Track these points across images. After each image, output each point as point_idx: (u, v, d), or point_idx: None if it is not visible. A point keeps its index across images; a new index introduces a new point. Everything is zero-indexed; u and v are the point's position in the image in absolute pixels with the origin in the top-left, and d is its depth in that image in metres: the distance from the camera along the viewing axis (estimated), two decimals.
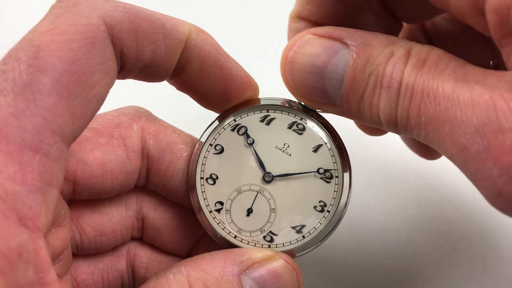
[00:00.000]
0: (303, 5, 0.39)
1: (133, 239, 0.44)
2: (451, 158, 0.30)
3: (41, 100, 0.27)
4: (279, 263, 0.36)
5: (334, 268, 0.54)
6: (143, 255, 0.43)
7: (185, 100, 0.42)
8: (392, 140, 0.54)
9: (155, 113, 0.43)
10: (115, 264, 0.43)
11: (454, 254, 0.55)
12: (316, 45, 0.35)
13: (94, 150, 0.38)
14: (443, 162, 0.46)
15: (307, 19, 0.39)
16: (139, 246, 0.44)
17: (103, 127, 0.39)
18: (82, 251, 0.41)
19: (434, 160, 0.48)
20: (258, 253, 0.35)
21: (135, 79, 0.36)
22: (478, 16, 0.29)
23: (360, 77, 0.33)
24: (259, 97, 0.42)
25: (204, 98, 0.40)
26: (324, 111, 0.38)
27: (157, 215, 0.42)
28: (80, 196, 0.38)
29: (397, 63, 0.31)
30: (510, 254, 0.55)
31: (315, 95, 0.36)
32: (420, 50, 0.32)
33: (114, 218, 0.41)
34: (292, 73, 0.36)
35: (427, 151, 0.48)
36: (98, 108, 0.32)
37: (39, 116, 0.27)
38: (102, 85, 0.31)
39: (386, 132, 0.47)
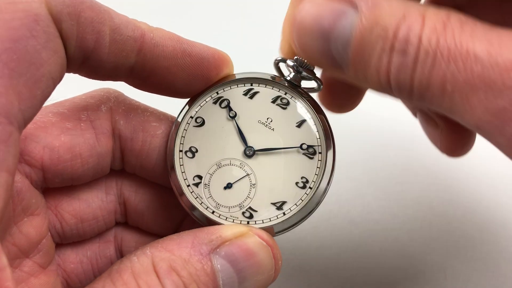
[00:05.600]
0: None
1: (118, 223, 0.43)
2: (479, 126, 0.28)
3: None
4: (252, 240, 0.34)
5: (334, 268, 0.53)
6: (131, 239, 0.43)
7: None
8: (392, 140, 0.54)
9: (130, 93, 0.41)
10: (103, 251, 0.42)
11: (454, 254, 0.54)
12: (323, 6, 0.33)
13: (60, 135, 0.37)
14: (444, 162, 0.45)
15: None
16: (125, 231, 0.43)
17: (69, 111, 0.38)
18: (65, 240, 0.40)
19: (434, 161, 0.46)
20: (229, 230, 0.33)
21: (82, 75, 0.35)
22: None
23: (367, 40, 0.31)
24: (242, 71, 0.41)
25: (183, 91, 0.39)
26: (334, 76, 0.36)
27: (138, 197, 0.41)
28: (53, 183, 0.37)
29: (412, 26, 0.29)
30: (510, 254, 0.54)
31: (321, 59, 0.34)
32: (437, 13, 0.29)
33: (94, 204, 0.40)
34: (298, 35, 0.34)
35: (455, 146, 0.44)
36: (50, 87, 0.31)
37: None
38: (51, 63, 0.30)
39: (353, 108, 0.44)
